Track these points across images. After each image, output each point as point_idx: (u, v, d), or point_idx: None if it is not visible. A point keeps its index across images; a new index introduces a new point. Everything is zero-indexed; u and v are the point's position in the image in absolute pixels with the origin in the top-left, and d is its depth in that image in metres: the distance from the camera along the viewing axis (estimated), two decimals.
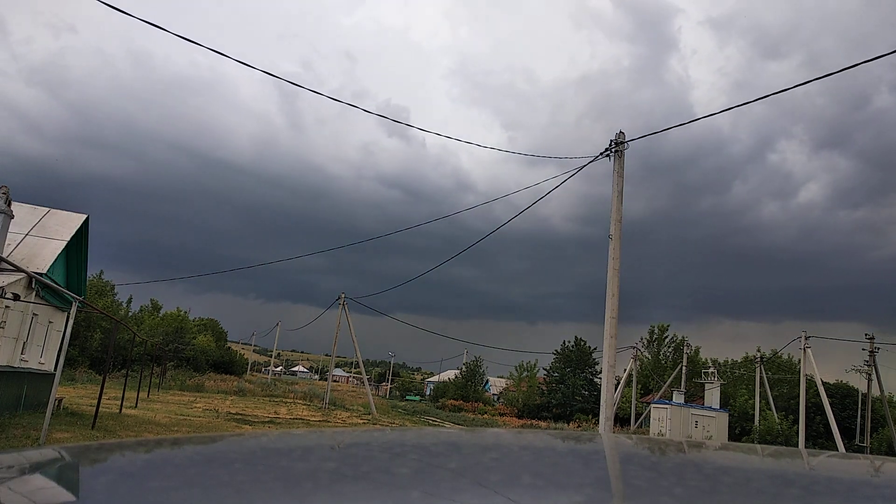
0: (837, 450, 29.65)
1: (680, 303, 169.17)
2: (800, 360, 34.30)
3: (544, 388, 61.38)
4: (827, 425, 33.27)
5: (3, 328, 15.23)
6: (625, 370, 45.13)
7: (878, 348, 33.30)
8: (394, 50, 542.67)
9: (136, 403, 25.33)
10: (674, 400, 40.04)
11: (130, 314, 56.68)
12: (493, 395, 75.52)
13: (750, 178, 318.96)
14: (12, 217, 15.41)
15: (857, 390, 40.46)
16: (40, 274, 15.22)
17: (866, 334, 33.72)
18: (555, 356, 61.86)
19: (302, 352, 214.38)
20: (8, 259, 12.93)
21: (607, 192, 14.28)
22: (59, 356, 15.36)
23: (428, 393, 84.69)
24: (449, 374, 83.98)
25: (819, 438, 40.68)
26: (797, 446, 29.62)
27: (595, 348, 59.32)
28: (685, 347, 50.11)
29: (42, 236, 17.81)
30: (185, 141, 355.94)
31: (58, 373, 14.33)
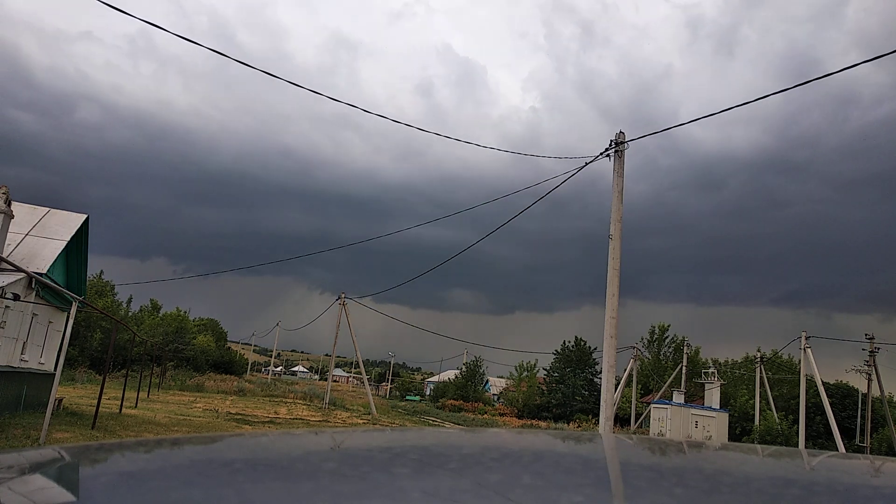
0: (837, 450, 29.64)
1: None
2: (799, 360, 34.33)
3: (544, 388, 61.35)
4: (827, 425, 33.26)
5: (3, 328, 15.22)
6: (625, 370, 45.10)
7: (878, 348, 33.32)
8: None
9: (136, 403, 25.33)
10: (674, 400, 40.01)
11: (130, 314, 56.70)
12: (493, 395, 75.48)
13: None
14: (12, 217, 15.41)
15: (857, 390, 40.46)
16: (40, 274, 15.22)
17: (866, 334, 33.74)
18: (555, 356, 61.83)
19: (302, 352, 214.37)
20: (8, 259, 12.93)
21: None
22: (59, 356, 15.36)
23: (428, 393, 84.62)
24: (449, 374, 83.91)
25: (819, 438, 40.69)
26: (797, 446, 29.62)
27: (595, 348, 59.24)
28: (685, 347, 50.10)
29: (42, 236, 17.81)
30: None
31: (58, 373, 14.35)
